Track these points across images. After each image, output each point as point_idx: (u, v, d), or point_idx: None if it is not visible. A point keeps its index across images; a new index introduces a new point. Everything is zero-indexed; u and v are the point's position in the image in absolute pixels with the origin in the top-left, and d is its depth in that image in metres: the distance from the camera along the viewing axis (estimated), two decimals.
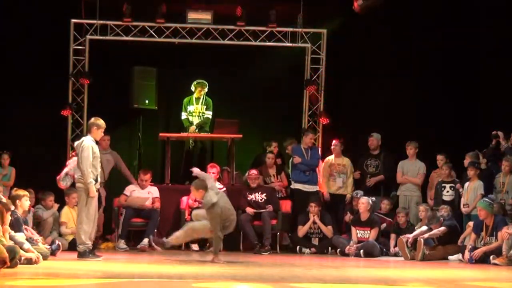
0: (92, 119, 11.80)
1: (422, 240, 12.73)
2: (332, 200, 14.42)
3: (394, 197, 14.29)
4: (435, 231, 12.74)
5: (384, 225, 13.62)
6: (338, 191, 14.39)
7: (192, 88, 14.71)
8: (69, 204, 13.01)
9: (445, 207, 13.10)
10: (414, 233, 12.93)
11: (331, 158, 14.50)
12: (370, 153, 14.47)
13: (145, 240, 13.39)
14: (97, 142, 11.73)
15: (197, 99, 14.71)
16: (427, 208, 13.35)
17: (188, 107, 14.71)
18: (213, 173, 13.61)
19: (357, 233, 13.34)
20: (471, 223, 12.76)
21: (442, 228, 12.77)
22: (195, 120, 14.68)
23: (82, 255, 11.30)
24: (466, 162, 13.52)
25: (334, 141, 14.46)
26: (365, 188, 14.12)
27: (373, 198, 13.65)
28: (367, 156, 14.48)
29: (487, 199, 12.40)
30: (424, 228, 12.88)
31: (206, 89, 14.70)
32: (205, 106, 14.70)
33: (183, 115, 14.74)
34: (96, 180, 11.30)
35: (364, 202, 13.34)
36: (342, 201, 14.33)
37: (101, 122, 11.53)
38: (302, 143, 14.40)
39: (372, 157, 14.43)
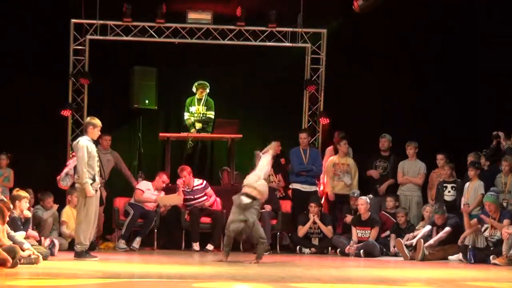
0: (88, 119, 11.82)
1: (422, 240, 12.73)
2: (336, 200, 14.41)
3: (398, 197, 14.28)
4: (440, 234, 12.73)
5: (387, 232, 13.58)
6: (342, 191, 14.36)
7: (194, 89, 14.74)
8: (71, 203, 12.99)
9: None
10: (418, 236, 12.94)
11: (335, 157, 14.48)
12: (380, 154, 14.45)
13: (137, 239, 13.44)
14: (96, 142, 11.73)
15: (199, 100, 14.73)
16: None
17: (190, 107, 14.73)
18: (184, 176, 13.67)
19: (357, 232, 13.35)
20: (471, 222, 12.76)
21: (447, 229, 12.77)
22: (197, 121, 14.69)
23: (79, 255, 11.30)
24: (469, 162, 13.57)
25: (343, 141, 14.42)
26: (376, 192, 14.14)
27: (371, 196, 13.66)
28: (376, 156, 14.46)
29: (493, 193, 12.41)
30: (428, 228, 12.87)
31: (207, 90, 14.72)
32: (205, 107, 14.71)
33: (186, 115, 14.76)
34: (93, 180, 11.28)
35: (363, 203, 13.35)
36: (346, 201, 14.30)
37: (96, 121, 11.51)
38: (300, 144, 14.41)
39: (381, 158, 14.41)
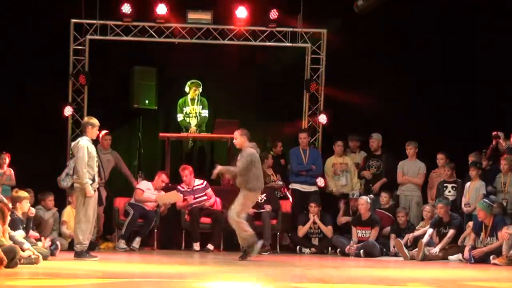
0: (86, 119, 11.84)
1: (422, 240, 12.73)
2: (335, 199, 14.42)
3: (396, 197, 14.27)
4: (445, 239, 12.72)
5: (388, 229, 13.57)
6: (342, 190, 14.38)
7: (186, 89, 14.73)
8: (72, 204, 12.97)
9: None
10: (417, 233, 12.98)
11: (332, 157, 14.52)
12: (372, 154, 14.49)
13: (137, 239, 13.43)
14: (95, 142, 11.74)
15: (192, 99, 14.73)
16: (433, 208, 13.34)
17: (183, 108, 14.73)
18: (185, 176, 13.69)
19: (357, 232, 13.34)
20: (471, 223, 12.77)
21: (451, 232, 12.76)
22: (193, 121, 14.70)
23: (78, 255, 11.30)
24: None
25: (337, 142, 14.45)
26: (369, 192, 14.16)
27: (371, 196, 13.68)
28: (369, 156, 14.50)
29: (486, 200, 12.41)
30: (430, 231, 12.86)
31: (200, 89, 14.72)
32: (200, 106, 14.72)
33: (179, 117, 14.75)
34: (93, 180, 11.29)
35: (363, 203, 13.36)
36: (345, 200, 14.30)
37: (94, 120, 11.52)
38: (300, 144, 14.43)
39: (374, 157, 14.44)
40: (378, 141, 14.47)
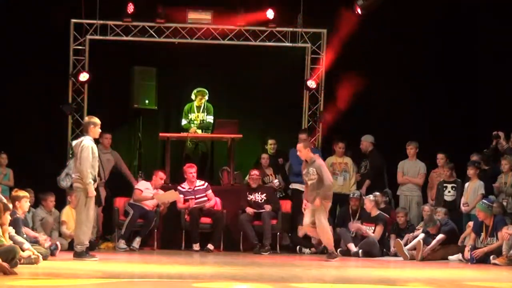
0: (86, 118, 11.83)
1: (421, 240, 12.73)
2: (333, 200, 14.42)
3: (387, 193, 14.27)
4: (434, 242, 12.72)
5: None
6: (340, 190, 14.38)
7: (193, 96, 14.75)
8: (71, 203, 12.96)
9: (440, 211, 13.12)
10: (413, 243, 12.96)
11: (333, 157, 14.54)
12: (363, 154, 14.62)
13: (137, 239, 13.43)
14: (96, 141, 11.73)
15: (198, 107, 14.75)
16: (432, 208, 13.34)
17: (189, 114, 14.75)
18: (192, 172, 13.70)
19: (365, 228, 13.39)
20: (471, 223, 12.77)
21: (440, 237, 12.76)
22: (196, 127, 14.70)
23: (78, 255, 11.29)
24: None
25: (339, 144, 14.48)
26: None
27: (376, 193, 13.67)
28: (362, 157, 14.61)
29: (486, 201, 12.40)
30: (422, 235, 12.86)
31: (206, 97, 14.74)
32: (205, 113, 14.73)
33: (184, 121, 14.76)
34: (94, 180, 11.29)
35: (367, 202, 13.40)
36: (344, 200, 14.29)
37: (96, 119, 11.51)
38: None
39: (364, 158, 14.57)
40: (366, 143, 14.54)
